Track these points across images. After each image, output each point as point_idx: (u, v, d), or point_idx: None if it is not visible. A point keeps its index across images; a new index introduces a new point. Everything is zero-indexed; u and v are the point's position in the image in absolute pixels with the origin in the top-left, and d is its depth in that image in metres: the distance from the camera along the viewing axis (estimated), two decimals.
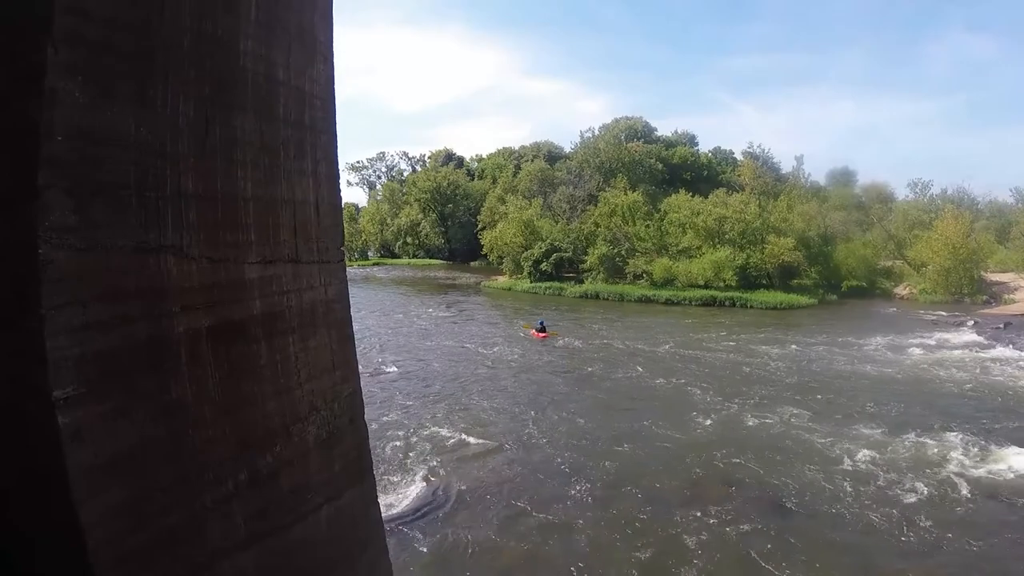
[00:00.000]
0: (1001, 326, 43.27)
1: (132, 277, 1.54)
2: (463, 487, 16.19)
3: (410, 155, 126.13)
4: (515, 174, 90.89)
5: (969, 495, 16.57)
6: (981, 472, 18.00)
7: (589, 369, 29.85)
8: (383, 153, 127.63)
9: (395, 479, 16.42)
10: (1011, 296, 56.00)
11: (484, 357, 31.93)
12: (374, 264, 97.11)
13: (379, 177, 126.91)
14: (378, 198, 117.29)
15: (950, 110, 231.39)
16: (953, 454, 19.23)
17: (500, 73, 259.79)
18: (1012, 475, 17.74)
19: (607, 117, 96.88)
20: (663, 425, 21.53)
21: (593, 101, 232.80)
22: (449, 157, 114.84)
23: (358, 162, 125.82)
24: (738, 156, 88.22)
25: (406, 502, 15.19)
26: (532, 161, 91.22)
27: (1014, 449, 19.51)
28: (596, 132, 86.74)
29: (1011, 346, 36.47)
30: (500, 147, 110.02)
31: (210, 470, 1.72)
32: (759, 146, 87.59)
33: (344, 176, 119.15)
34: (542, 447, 19.32)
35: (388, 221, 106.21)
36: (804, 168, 78.32)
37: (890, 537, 14.31)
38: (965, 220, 61.43)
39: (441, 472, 17.11)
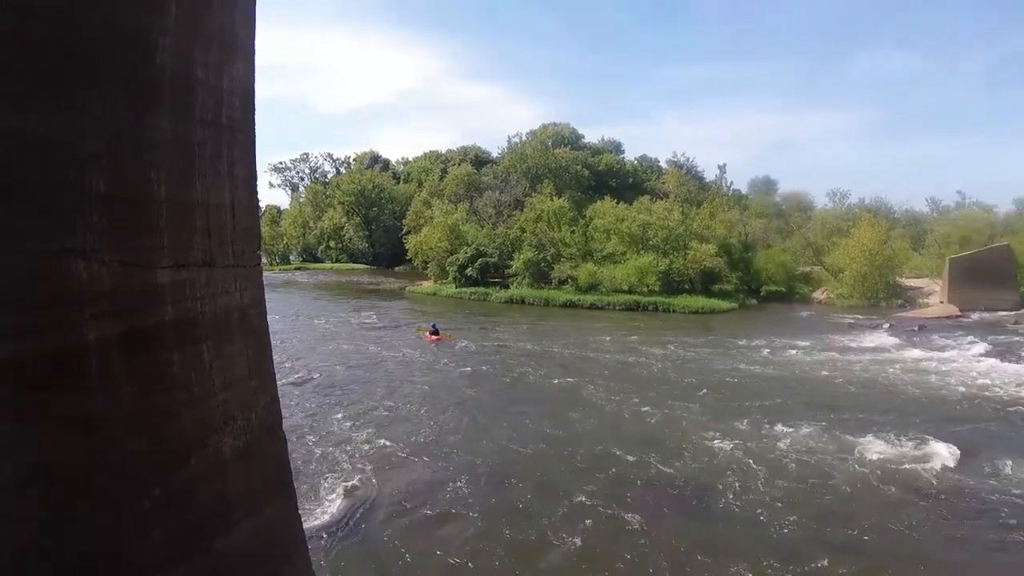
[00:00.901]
0: (915, 328, 45.47)
1: (37, 283, 1.49)
2: (385, 494, 16.20)
3: (335, 157, 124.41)
4: (441, 178, 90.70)
5: (880, 486, 17.72)
6: (896, 466, 19.19)
7: (499, 372, 30.36)
8: (307, 154, 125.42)
9: (317, 490, 16.24)
10: (925, 300, 58.90)
11: (405, 362, 32.03)
12: (296, 268, 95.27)
13: (302, 179, 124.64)
14: (301, 200, 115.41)
15: (871, 123, 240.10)
16: (866, 448, 20.44)
17: (430, 76, 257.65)
18: (923, 467, 19.05)
19: (536, 123, 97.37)
20: (569, 424, 22.32)
21: (523, 107, 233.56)
22: (375, 159, 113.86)
23: (281, 163, 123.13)
24: (663, 164, 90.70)
25: (329, 513, 15.13)
26: (459, 165, 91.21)
27: (922, 443, 20.88)
28: (524, 138, 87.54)
29: (924, 347, 38.51)
30: (427, 150, 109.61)
31: (126, 487, 1.68)
32: (683, 155, 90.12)
33: (266, 177, 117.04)
34: (458, 451, 19.51)
35: (311, 224, 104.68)
36: (727, 176, 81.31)
37: (785, 528, 15.17)
38: (881, 228, 64.09)
39: (362, 480, 17.03)
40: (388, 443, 19.98)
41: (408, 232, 77.36)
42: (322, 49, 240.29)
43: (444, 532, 14.48)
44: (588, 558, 13.50)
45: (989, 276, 58.00)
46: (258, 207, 2.38)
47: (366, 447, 19.64)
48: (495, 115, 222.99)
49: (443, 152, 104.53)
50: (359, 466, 18.10)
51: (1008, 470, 18.97)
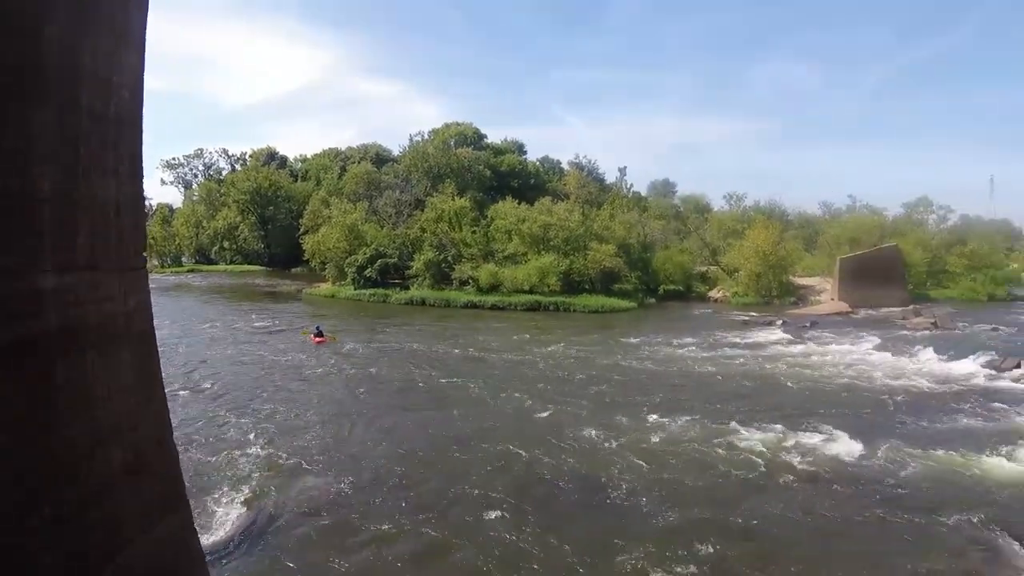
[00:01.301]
0: (807, 325, 47.91)
1: None
2: (283, 504, 15.70)
3: (230, 153, 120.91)
4: (341, 176, 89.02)
5: (769, 474, 18.48)
6: (785, 454, 20.03)
7: (389, 375, 29.98)
8: (201, 150, 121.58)
9: (213, 504, 15.53)
10: (816, 298, 62.05)
11: (295, 367, 31.32)
12: (188, 271, 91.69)
13: (196, 176, 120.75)
14: (194, 199, 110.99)
15: (769, 130, 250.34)
16: (756, 438, 21.25)
17: (332, 71, 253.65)
18: (811, 455, 20.03)
19: (439, 122, 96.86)
20: (458, 425, 22.47)
21: (426, 105, 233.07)
22: (271, 156, 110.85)
23: (174, 159, 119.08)
24: (565, 166, 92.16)
25: (227, 527, 14.52)
26: (359, 163, 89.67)
27: (811, 432, 22.03)
28: (426, 136, 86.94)
29: (815, 342, 40.52)
30: (327, 148, 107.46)
31: (13, 506, 1.55)
32: (585, 157, 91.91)
33: (158, 174, 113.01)
34: (350, 456, 19.21)
35: (204, 224, 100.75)
36: (627, 179, 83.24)
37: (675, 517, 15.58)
38: (775, 229, 67.03)
39: (259, 491, 16.45)
40: (281, 451, 19.40)
41: (305, 232, 74.97)
42: (220, 40, 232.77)
43: (345, 541, 14.04)
44: (485, 557, 13.48)
45: (878, 275, 61.25)
46: (144, 206, 2.25)
47: (260, 456, 18.98)
48: (397, 113, 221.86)
49: (343, 150, 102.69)
50: (254, 476, 17.48)
51: (890, 455, 20.11)
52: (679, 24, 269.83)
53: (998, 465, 19.66)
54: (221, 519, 14.84)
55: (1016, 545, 14.56)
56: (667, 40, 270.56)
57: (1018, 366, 32.88)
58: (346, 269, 63.18)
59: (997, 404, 26.81)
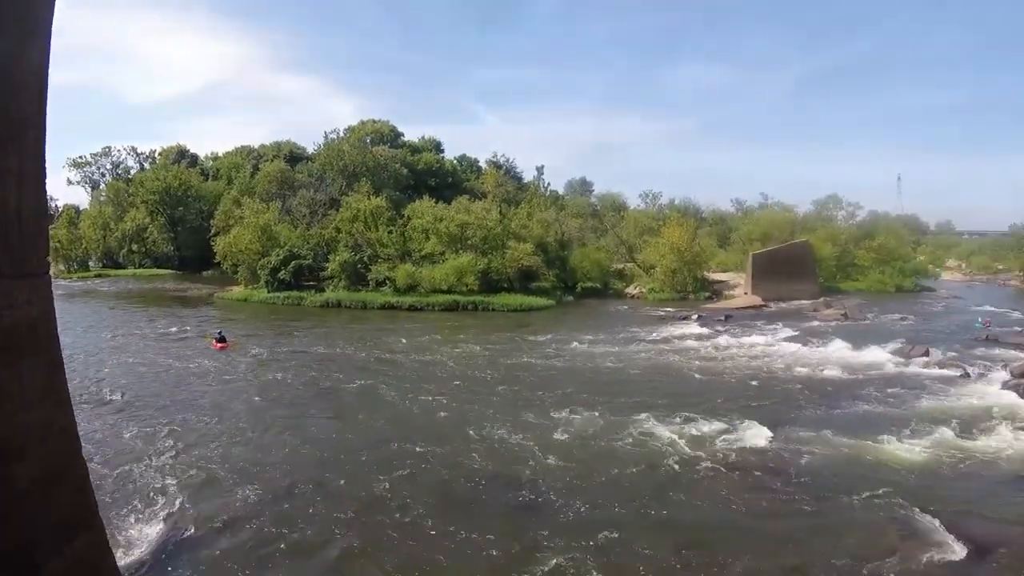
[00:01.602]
0: (722, 318, 49.80)
1: None
2: (199, 518, 15.32)
3: (139, 151, 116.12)
4: (253, 175, 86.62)
5: (690, 463, 19.32)
6: (703, 444, 20.95)
7: (297, 379, 29.87)
8: (109, 148, 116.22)
9: (129, 520, 15.07)
10: (730, 292, 64.21)
11: (201, 374, 30.71)
12: (96, 276, 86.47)
13: (104, 175, 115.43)
14: (102, 199, 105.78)
15: (685, 130, 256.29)
16: (675, 429, 22.09)
17: (245, 66, 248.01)
18: (728, 443, 21.00)
19: (356, 119, 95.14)
20: (365, 426, 22.87)
21: (343, 102, 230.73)
22: (182, 154, 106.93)
23: (80, 157, 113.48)
24: (483, 164, 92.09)
25: (145, 546, 14.03)
26: (272, 161, 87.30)
27: (727, 421, 22.99)
28: (341, 134, 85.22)
29: (729, 335, 42.14)
30: (239, 145, 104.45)
31: None
32: (503, 155, 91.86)
33: (64, 173, 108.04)
34: (260, 464, 19.07)
35: (112, 226, 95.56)
36: (544, 178, 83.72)
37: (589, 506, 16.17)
38: (690, 227, 68.96)
39: (175, 505, 16.01)
40: (192, 462, 18.98)
41: (217, 233, 71.91)
42: (128, 32, 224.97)
43: (264, 553, 13.89)
44: (403, 563, 13.55)
45: (789, 269, 63.49)
46: (47, 209, 2.16)
47: (170, 468, 18.47)
48: (313, 110, 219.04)
49: (255, 147, 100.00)
50: (167, 489, 16.97)
51: (803, 442, 21.15)
52: (598, 24, 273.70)
53: (907, 447, 20.89)
54: (136, 536, 14.44)
55: (930, 519, 15.49)
56: (586, 40, 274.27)
57: (925, 353, 34.87)
58: (259, 271, 61.28)
59: (905, 390, 28.37)
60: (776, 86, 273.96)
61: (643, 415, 23.42)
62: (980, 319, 49.92)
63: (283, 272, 59.53)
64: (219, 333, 37.81)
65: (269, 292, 59.34)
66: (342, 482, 17.68)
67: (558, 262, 64.89)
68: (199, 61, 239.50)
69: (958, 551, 14.26)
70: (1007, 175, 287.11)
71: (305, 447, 20.50)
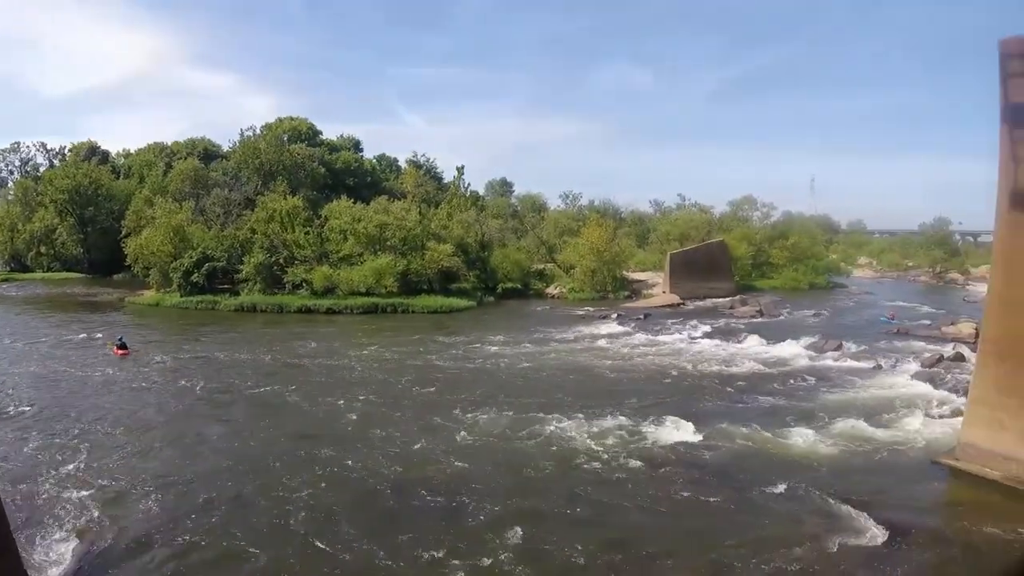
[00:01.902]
0: (641, 317, 50.63)
1: None
2: (114, 535, 14.94)
3: (49, 148, 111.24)
4: (166, 173, 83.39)
5: (610, 462, 19.75)
6: (623, 441, 21.46)
7: (201, 386, 29.45)
8: (18, 144, 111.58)
9: (42, 540, 14.57)
10: (649, 291, 65.58)
11: (105, 383, 29.99)
12: (3, 280, 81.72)
13: (12, 172, 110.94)
14: (9, 198, 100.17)
15: (607, 131, 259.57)
16: (595, 428, 22.55)
17: (161, 60, 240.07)
18: (649, 440, 21.62)
19: (273, 116, 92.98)
20: (270, 433, 22.80)
21: (261, 99, 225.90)
22: (93, 151, 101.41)
23: None
24: (402, 164, 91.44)
25: (62, 566, 13.63)
26: (186, 159, 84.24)
27: (648, 418, 23.60)
28: (258, 131, 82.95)
29: (649, 333, 43.38)
30: (151, 142, 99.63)
31: None
32: (423, 155, 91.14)
33: None
34: (172, 476, 18.71)
35: (20, 227, 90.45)
36: (465, 178, 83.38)
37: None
38: (609, 227, 70.01)
39: (89, 522, 15.56)
40: (101, 476, 18.47)
41: (128, 235, 69.31)
42: (39, 21, 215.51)
43: (182, 568, 13.66)
44: (314, 567, 13.66)
45: (706, 268, 65.20)
46: None
47: (80, 483, 17.90)
48: (230, 106, 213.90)
49: (169, 144, 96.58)
50: (79, 506, 16.41)
51: (722, 436, 21.96)
52: (522, 25, 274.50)
53: (823, 438, 21.90)
54: (51, 557, 14.02)
55: (847, 507, 16.29)
56: (510, 41, 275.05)
57: (838, 347, 36.62)
58: (171, 275, 59.12)
59: (819, 382, 29.84)
60: (696, 89, 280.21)
61: (560, 415, 23.76)
62: (885, 313, 51.97)
63: (196, 275, 57.72)
64: (120, 340, 36.80)
65: (182, 296, 57.50)
66: (251, 491, 17.56)
67: (479, 263, 64.95)
68: (115, 54, 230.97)
69: (875, 536, 14.97)
70: (916, 177, 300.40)
71: (212, 457, 20.27)
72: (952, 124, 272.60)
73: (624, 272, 69.41)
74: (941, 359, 33.15)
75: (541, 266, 71.27)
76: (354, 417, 24.37)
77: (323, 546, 14.42)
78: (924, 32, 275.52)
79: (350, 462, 19.59)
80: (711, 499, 17.16)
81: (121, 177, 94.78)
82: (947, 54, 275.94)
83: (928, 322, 46.90)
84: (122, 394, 28.10)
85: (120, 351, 35.24)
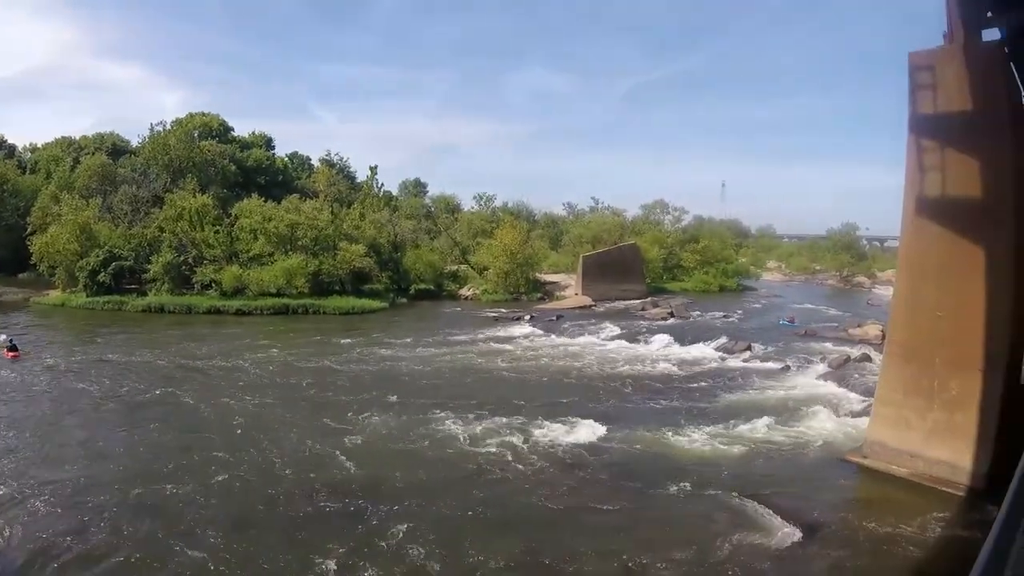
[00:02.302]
0: (554, 318, 51.82)
1: None
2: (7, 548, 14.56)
3: None
4: (74, 169, 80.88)
5: (520, 465, 19.96)
6: (534, 444, 21.69)
7: (94, 390, 28.85)
8: None
9: None
10: (562, 293, 66.90)
11: (8, 388, 28.98)
12: None
13: None
14: None
15: (523, 134, 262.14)
16: (505, 431, 22.83)
17: (70, 51, 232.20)
18: (561, 442, 21.97)
19: (184, 112, 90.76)
20: (173, 438, 22.36)
21: (173, 93, 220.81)
22: None
23: None
24: (315, 163, 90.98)
25: None
26: (94, 155, 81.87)
27: (562, 420, 23.97)
28: (168, 126, 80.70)
29: (561, 334, 44.51)
30: (59, 136, 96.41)
31: None
32: (337, 154, 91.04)
33: None
34: (66, 484, 18.12)
35: None
36: (378, 178, 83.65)
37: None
38: (522, 229, 71.25)
39: None
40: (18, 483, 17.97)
41: (33, 232, 66.54)
42: None
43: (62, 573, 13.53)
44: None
45: (618, 270, 66.91)
46: None
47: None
48: (140, 100, 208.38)
49: (76, 139, 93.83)
50: None
51: (630, 437, 22.49)
52: (439, 26, 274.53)
53: (733, 437, 22.70)
54: None
55: (757, 505, 16.89)
56: (427, 41, 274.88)
57: (748, 348, 38.08)
58: (78, 274, 57.81)
59: (729, 383, 30.94)
60: (612, 94, 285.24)
61: (464, 416, 24.16)
62: (784, 316, 54.18)
63: (103, 275, 56.55)
64: (10, 341, 36.17)
65: (88, 296, 56.36)
66: (140, 493, 17.38)
67: (391, 264, 65.38)
68: (22, 44, 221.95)
69: (785, 534, 15.42)
70: (825, 183, 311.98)
71: (102, 461, 19.88)
72: (860, 133, 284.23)
73: (537, 274, 70.82)
74: (848, 360, 34.00)
75: (455, 267, 72.15)
76: (245, 420, 24.20)
77: (208, 553, 14.29)
78: (834, 42, 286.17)
79: (239, 465, 19.50)
80: (620, 500, 17.42)
81: (27, 172, 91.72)
82: (856, 64, 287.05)
83: (835, 324, 48.70)
84: (14, 396, 27.68)
85: (10, 353, 34.57)
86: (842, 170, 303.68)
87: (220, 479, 18.54)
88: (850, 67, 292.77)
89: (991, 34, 18.50)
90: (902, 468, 19.42)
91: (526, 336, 44.13)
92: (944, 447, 18.77)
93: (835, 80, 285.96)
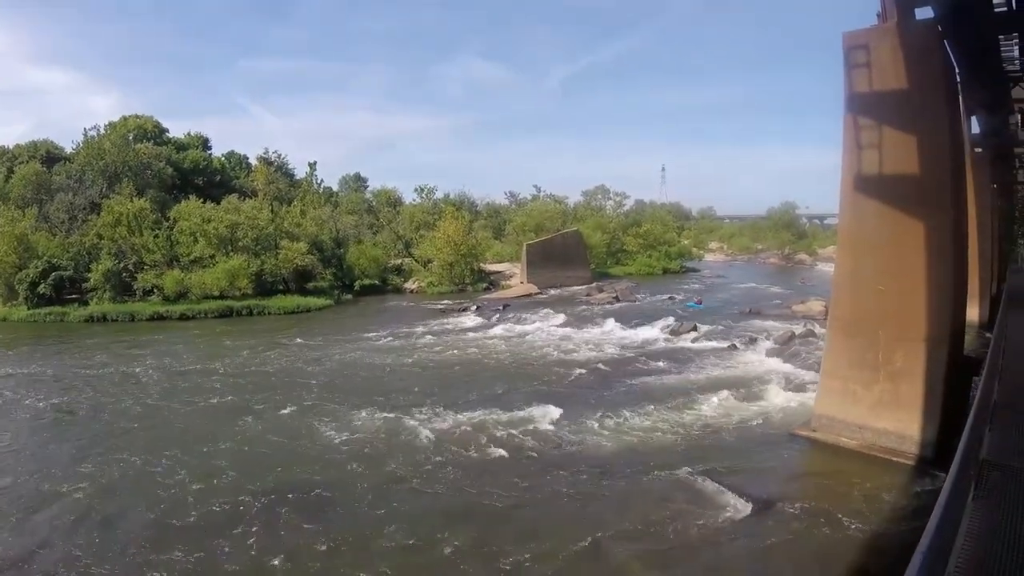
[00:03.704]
0: (500, 307, 52.68)
1: None
2: None
3: None
4: (7, 179, 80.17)
5: (476, 454, 20.32)
6: (492, 432, 22.03)
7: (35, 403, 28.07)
8: None
9: None
10: (507, 282, 68.05)
11: None
12: None
13: None
14: None
15: (461, 125, 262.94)
16: (462, 421, 23.22)
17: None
18: (516, 432, 22.13)
19: (118, 115, 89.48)
20: (97, 447, 21.99)
21: (105, 97, 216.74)
22: None
23: None
24: (253, 161, 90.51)
25: None
26: (27, 163, 79.08)
27: (516, 408, 24.43)
28: (102, 131, 79.54)
29: (508, 324, 45.33)
30: None
31: None
32: (275, 152, 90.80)
33: None
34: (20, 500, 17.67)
35: None
36: (318, 174, 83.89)
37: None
38: (464, 220, 72.10)
39: None
40: None
41: None
42: None
43: None
44: None
45: (562, 257, 68.33)
46: None
47: None
48: (72, 105, 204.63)
49: (9, 148, 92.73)
50: None
51: (584, 421, 22.97)
52: (373, 19, 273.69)
53: (684, 417, 23.43)
54: None
55: (711, 483, 17.44)
56: (361, 34, 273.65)
57: (694, 329, 39.27)
58: (17, 287, 56.55)
59: (678, 364, 31.66)
60: (549, 84, 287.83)
61: (431, 409, 24.37)
62: (692, 299, 56.01)
63: (43, 286, 55.48)
64: None
65: (29, 309, 55.16)
66: (83, 499, 17.29)
67: (335, 260, 65.74)
68: None
69: (739, 509, 15.86)
70: (764, 164, 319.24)
71: (51, 476, 19.32)
72: (796, 114, 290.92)
73: (482, 264, 71.93)
74: (793, 336, 35.15)
75: (398, 261, 72.73)
76: (186, 426, 23.91)
77: (168, 558, 14.17)
78: (769, 26, 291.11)
79: (187, 470, 19.18)
80: (576, 483, 17.76)
81: None
82: (791, 47, 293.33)
83: (779, 302, 50.27)
84: None
85: None
86: (781, 151, 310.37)
87: (171, 486, 18.22)
88: (788, 49, 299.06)
89: (924, 12, 18.63)
90: (851, 440, 19.97)
91: (473, 327, 44.93)
92: (891, 418, 19.32)
93: (771, 63, 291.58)
